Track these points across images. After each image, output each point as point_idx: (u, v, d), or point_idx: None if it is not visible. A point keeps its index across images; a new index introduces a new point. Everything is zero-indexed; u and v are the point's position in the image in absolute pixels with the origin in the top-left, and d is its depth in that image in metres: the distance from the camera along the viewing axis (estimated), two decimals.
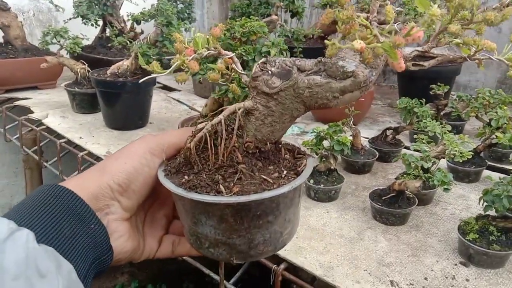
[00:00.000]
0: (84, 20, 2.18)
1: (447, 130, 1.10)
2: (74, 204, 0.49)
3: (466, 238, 0.87)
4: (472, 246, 0.86)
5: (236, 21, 1.16)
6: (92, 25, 2.24)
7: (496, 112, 1.20)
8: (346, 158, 1.25)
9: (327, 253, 0.91)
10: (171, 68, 0.54)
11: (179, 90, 2.23)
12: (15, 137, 1.80)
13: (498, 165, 1.31)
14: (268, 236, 0.53)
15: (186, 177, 0.52)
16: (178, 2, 2.60)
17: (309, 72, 0.52)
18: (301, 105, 0.53)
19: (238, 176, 0.52)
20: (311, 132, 1.23)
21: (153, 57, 1.45)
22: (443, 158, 1.08)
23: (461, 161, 1.03)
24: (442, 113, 1.49)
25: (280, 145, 0.58)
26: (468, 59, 0.58)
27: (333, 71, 0.50)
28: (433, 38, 0.55)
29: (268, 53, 1.14)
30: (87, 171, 0.55)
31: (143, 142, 0.57)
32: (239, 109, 0.53)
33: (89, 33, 2.26)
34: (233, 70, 0.61)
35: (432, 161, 1.01)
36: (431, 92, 1.46)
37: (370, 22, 0.49)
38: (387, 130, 1.35)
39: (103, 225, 0.51)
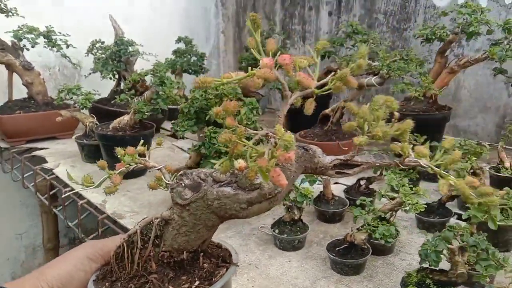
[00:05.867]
0: (102, 75, 2.39)
1: (405, 183, 1.16)
2: None
3: None
4: None
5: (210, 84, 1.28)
6: (110, 78, 2.45)
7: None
8: (317, 207, 1.32)
9: None
10: (98, 182, 0.68)
11: (186, 138, 2.36)
12: (31, 184, 1.98)
13: None
14: None
15: (106, 284, 0.56)
16: (191, 55, 2.80)
17: (222, 183, 0.55)
18: (214, 215, 0.56)
19: (148, 286, 0.55)
20: None
21: (147, 114, 1.60)
22: (400, 209, 1.13)
23: (413, 212, 1.09)
24: None
25: (199, 254, 0.60)
26: (399, 164, 0.61)
27: (242, 183, 0.53)
28: (354, 149, 0.62)
29: (239, 112, 1.25)
30: (28, 275, 0.60)
31: (82, 248, 0.62)
32: (156, 219, 0.58)
33: (109, 85, 2.48)
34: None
35: (377, 214, 1.08)
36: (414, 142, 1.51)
37: (269, 138, 0.52)
38: (361, 180, 1.42)
39: None
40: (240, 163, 0.47)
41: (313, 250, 1.18)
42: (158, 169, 0.66)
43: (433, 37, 1.82)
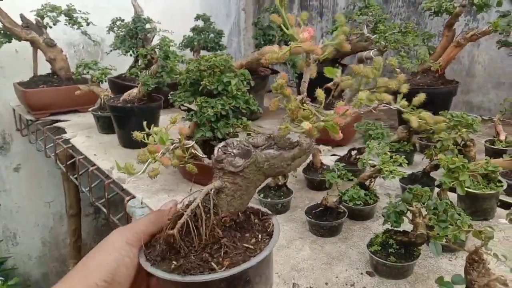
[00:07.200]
0: (121, 51, 2.50)
1: (386, 151, 1.19)
2: None
3: (369, 249, 0.97)
4: (373, 257, 0.95)
5: (204, 57, 1.34)
6: (130, 55, 2.56)
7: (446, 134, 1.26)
8: (306, 176, 1.37)
9: None
10: (144, 168, 0.65)
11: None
12: (53, 154, 2.12)
13: None
14: None
15: (174, 262, 0.57)
16: (209, 33, 2.85)
17: (262, 147, 0.62)
18: (262, 176, 0.63)
19: (224, 250, 0.58)
20: None
21: (152, 86, 1.68)
22: (378, 176, 1.17)
23: (390, 179, 1.12)
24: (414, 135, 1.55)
25: (248, 212, 0.66)
26: (373, 110, 0.70)
27: (282, 144, 0.61)
28: (347, 101, 0.69)
29: (229, 83, 1.31)
30: (72, 272, 0.57)
31: (118, 234, 0.60)
32: (211, 190, 0.61)
33: (130, 61, 2.58)
34: (191, 153, 0.68)
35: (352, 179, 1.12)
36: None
37: (305, 101, 0.61)
38: (352, 151, 1.45)
39: None
40: (308, 124, 0.55)
41: (296, 214, 1.24)
42: (192, 146, 0.69)
43: (440, 10, 1.80)
